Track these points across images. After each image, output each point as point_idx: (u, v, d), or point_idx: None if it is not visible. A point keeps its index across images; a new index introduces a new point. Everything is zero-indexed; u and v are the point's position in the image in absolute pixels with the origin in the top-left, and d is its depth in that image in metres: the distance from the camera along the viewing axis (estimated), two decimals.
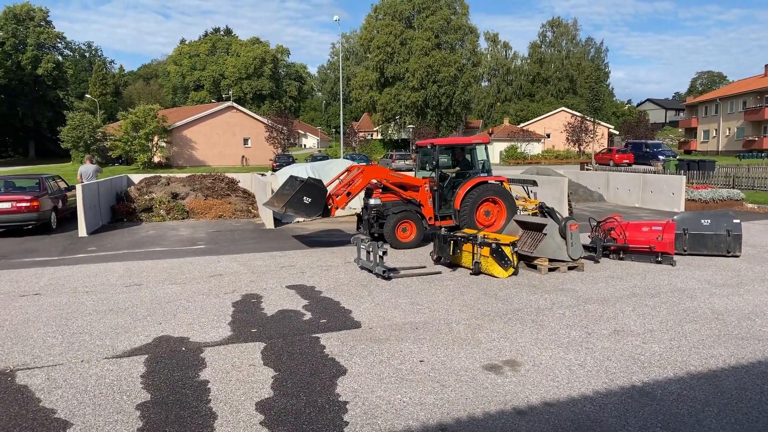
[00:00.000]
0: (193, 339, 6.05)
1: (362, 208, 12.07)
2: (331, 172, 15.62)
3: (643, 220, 12.18)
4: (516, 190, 13.48)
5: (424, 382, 4.87)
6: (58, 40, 71.76)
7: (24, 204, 13.45)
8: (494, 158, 55.11)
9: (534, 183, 14.39)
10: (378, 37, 64.99)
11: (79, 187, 13.83)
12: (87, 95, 68.87)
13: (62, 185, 16.31)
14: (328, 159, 35.52)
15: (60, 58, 71.89)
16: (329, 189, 11.30)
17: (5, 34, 64.48)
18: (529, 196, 13.59)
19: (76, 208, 14.06)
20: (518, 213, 12.54)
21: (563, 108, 63.21)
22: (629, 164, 39.79)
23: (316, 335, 6.11)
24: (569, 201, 16.76)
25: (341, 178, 11.98)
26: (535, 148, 56.19)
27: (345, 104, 68.77)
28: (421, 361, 5.34)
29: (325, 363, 5.33)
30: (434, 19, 64.91)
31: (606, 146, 56.21)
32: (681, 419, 4.19)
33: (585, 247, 9.80)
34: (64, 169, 40.08)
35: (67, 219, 15.54)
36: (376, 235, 11.57)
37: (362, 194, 11.90)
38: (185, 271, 9.52)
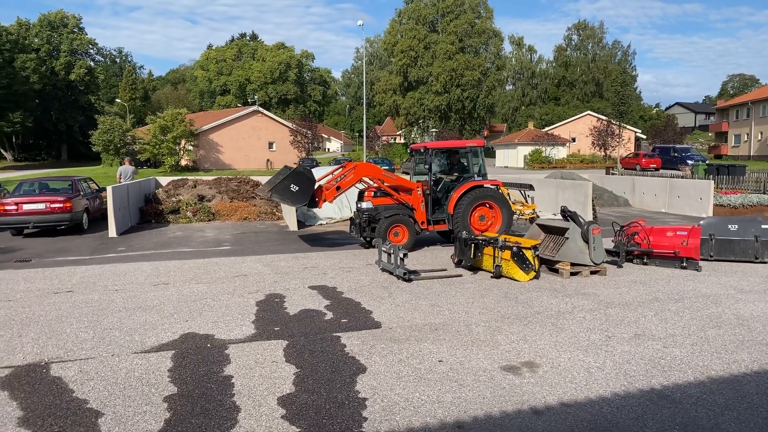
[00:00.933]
0: (218, 336, 6.23)
1: (355, 212, 12.04)
2: None
3: (669, 225, 12.02)
4: (515, 195, 13.28)
5: (443, 382, 4.94)
6: (90, 46, 73.83)
7: (57, 205, 13.92)
8: (518, 162, 54.73)
9: (531, 187, 14.16)
10: (402, 41, 65.18)
11: (109, 189, 14.24)
12: (117, 100, 70.58)
13: (94, 187, 16.80)
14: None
15: (92, 63, 73.94)
16: (323, 183, 11.31)
17: (40, 40, 66.59)
18: (526, 201, 13.37)
19: (106, 209, 14.49)
20: (515, 218, 12.44)
21: (589, 112, 62.49)
22: (656, 169, 39.16)
23: (337, 334, 6.23)
24: (593, 205, 16.62)
25: (335, 173, 11.95)
26: (560, 152, 55.60)
27: (368, 108, 69.04)
28: (439, 361, 5.41)
29: (345, 361, 5.44)
30: (458, 23, 64.83)
31: (633, 151, 55.33)
32: (699, 422, 4.18)
33: (608, 252, 9.73)
34: (95, 171, 41.13)
35: (98, 220, 16.00)
36: (368, 239, 11.56)
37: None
38: (211, 271, 9.74)
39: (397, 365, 5.32)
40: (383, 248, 9.46)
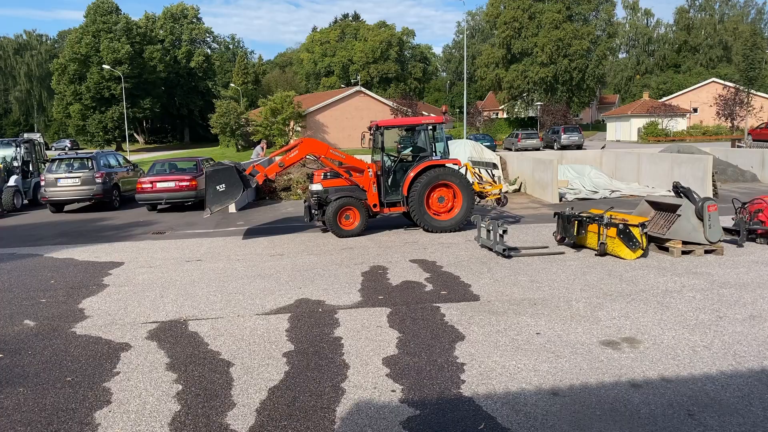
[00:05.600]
0: (328, 302, 6.79)
1: (306, 195, 11.59)
2: (454, 152, 15.79)
3: None
4: (486, 177, 12.40)
5: (539, 352, 5.09)
6: (207, 35, 79.10)
7: (185, 183, 15.46)
8: (632, 135, 51.44)
9: (494, 166, 13.29)
10: (505, 13, 63.06)
11: None
12: (231, 84, 75.09)
13: None
14: (451, 139, 35.61)
15: (208, 51, 79.20)
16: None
17: (164, 32, 72.48)
18: (493, 181, 12.42)
19: None
20: (485, 200, 11.85)
21: (714, 79, 56.98)
22: None
23: (437, 304, 6.55)
24: (714, 181, 15.46)
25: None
26: (678, 124, 51.48)
27: (469, 83, 67.94)
28: (537, 334, 5.55)
29: (444, 329, 5.75)
30: None
31: (766, 121, 49.88)
32: None
33: (727, 230, 9.16)
34: (214, 152, 44.54)
35: None
36: (319, 222, 11.21)
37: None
38: (320, 243, 10.44)
39: (495, 335, 5.54)
40: (482, 224, 9.58)
